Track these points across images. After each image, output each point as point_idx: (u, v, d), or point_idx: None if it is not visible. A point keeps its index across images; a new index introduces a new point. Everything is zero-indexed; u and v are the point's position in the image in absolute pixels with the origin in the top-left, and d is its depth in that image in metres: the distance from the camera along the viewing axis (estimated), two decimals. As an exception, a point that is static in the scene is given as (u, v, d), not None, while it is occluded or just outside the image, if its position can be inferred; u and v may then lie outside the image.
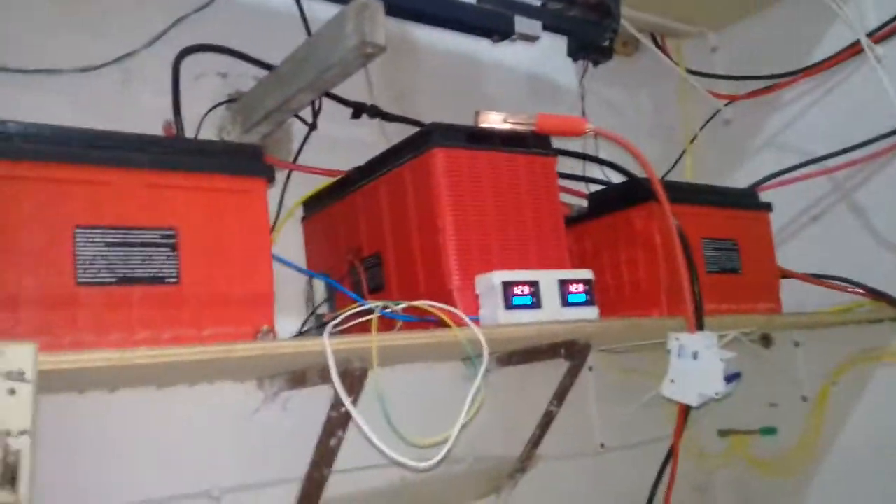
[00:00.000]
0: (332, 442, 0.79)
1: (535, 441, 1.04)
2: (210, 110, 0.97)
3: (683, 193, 0.98)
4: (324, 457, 0.81)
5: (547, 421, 1.02)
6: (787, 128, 1.30)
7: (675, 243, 0.88)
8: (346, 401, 0.68)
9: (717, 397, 0.87)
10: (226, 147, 0.70)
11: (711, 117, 1.40)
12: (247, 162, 0.69)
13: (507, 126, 0.84)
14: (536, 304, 0.80)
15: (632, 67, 1.41)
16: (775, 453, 1.32)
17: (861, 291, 1.15)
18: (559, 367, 0.98)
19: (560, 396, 0.99)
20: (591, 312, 0.83)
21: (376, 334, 0.69)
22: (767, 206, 1.13)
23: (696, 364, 0.88)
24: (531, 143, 0.87)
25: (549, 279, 0.81)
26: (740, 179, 1.28)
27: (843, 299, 1.17)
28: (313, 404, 0.82)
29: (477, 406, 0.71)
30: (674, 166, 1.38)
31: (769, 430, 1.32)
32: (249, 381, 0.91)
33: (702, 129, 1.40)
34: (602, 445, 1.22)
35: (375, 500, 0.99)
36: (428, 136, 0.83)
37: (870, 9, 1.18)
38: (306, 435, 0.83)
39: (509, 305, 0.78)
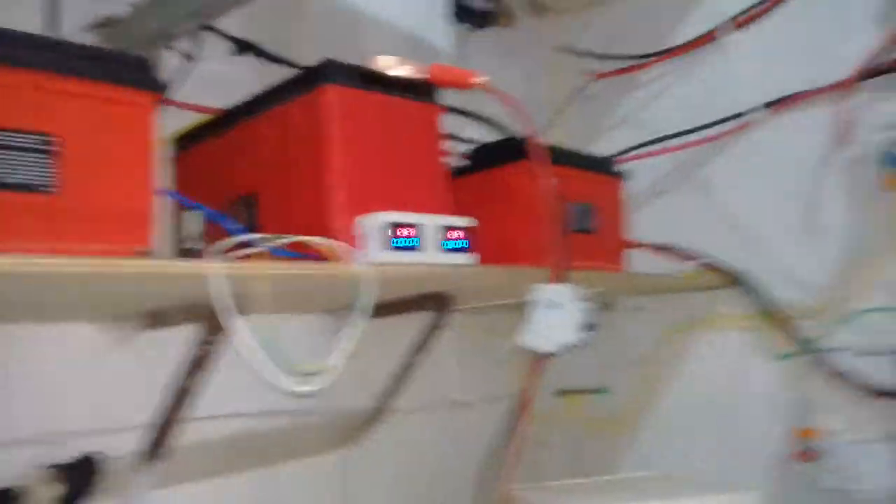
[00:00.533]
0: (187, 386, 0.79)
1: (390, 394, 1.07)
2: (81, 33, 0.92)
3: (554, 155, 1.03)
4: (176, 403, 0.81)
5: (402, 374, 1.05)
6: (645, 106, 1.39)
7: (547, 201, 0.93)
8: (232, 323, 0.67)
9: (575, 345, 0.93)
10: (119, 57, 0.66)
11: (577, 92, 1.47)
12: (139, 74, 0.66)
13: (401, 71, 0.85)
14: (418, 247, 0.82)
15: (508, 38, 1.45)
16: (608, 412, 1.42)
17: (699, 261, 1.27)
18: (419, 320, 1.02)
19: (418, 350, 1.03)
20: (471, 259, 0.87)
21: (264, 262, 0.69)
22: (622, 174, 1.21)
23: (556, 314, 0.93)
24: (423, 90, 0.89)
25: (432, 223, 0.84)
26: (599, 152, 1.36)
27: (683, 269, 1.28)
28: (169, 347, 0.80)
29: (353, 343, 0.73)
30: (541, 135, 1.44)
31: (602, 391, 1.43)
32: (103, 321, 0.87)
33: (567, 102, 1.48)
34: (456, 400, 1.27)
35: (226, 450, 0.99)
36: (321, 73, 0.82)
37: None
38: (159, 380, 0.81)
39: (392, 246, 0.80)
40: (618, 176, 1.21)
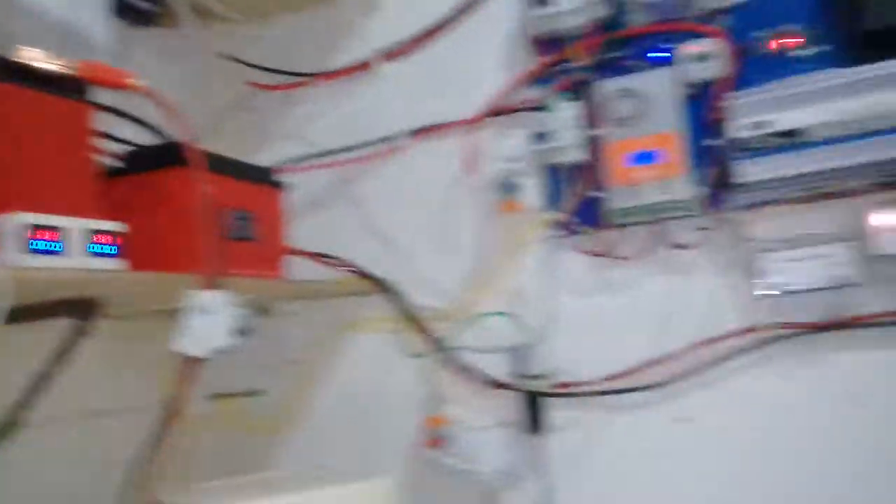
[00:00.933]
0: None
1: (23, 406, 1.00)
2: None
3: (213, 163, 1.05)
4: None
5: (38, 385, 0.99)
6: (306, 122, 1.46)
7: (203, 208, 0.95)
8: None
9: (228, 349, 0.96)
10: None
11: (240, 101, 1.50)
12: None
13: (48, 66, 0.81)
14: (61, 251, 0.79)
15: (173, 40, 1.43)
16: (263, 414, 1.47)
17: (351, 269, 1.37)
18: (61, 327, 0.97)
19: (58, 359, 0.98)
20: (120, 264, 0.86)
21: None
22: (282, 185, 1.27)
23: (209, 320, 0.96)
24: (73, 87, 0.86)
25: (77, 226, 0.81)
26: (260, 162, 1.39)
27: (336, 276, 1.37)
28: None
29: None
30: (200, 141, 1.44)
31: (257, 393, 1.48)
32: None
33: (229, 111, 1.49)
34: (101, 409, 1.22)
35: None
36: (-50, 61, 0.76)
37: (384, 29, 1.40)
38: None
39: (31, 249, 0.76)
40: (278, 186, 1.26)
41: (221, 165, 1.10)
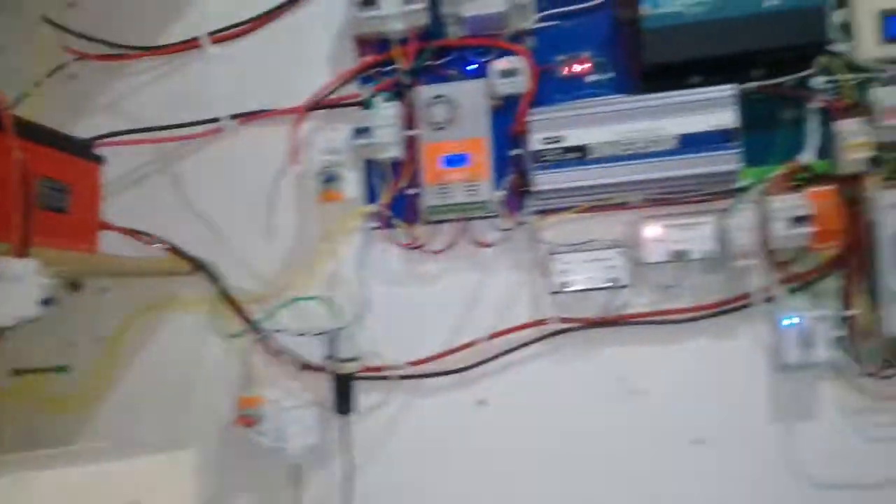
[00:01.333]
0: None
1: None
2: None
3: (26, 130, 1.04)
4: None
5: None
6: (129, 96, 1.45)
7: (13, 176, 0.94)
8: None
9: (31, 319, 0.96)
10: None
11: (57, 69, 1.46)
12: None
13: None
14: None
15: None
16: (68, 391, 1.45)
17: (168, 248, 1.38)
18: None
19: None
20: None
21: None
22: (100, 159, 1.26)
23: (15, 288, 0.95)
24: None
25: None
26: (79, 133, 1.37)
27: (153, 254, 1.38)
28: None
29: None
30: (13, 107, 1.39)
31: (62, 369, 1.45)
32: None
33: (47, 77, 1.45)
34: None
35: None
36: None
37: (214, 11, 1.42)
38: None
39: None
40: (96, 160, 1.25)
41: (35, 133, 1.08)
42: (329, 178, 1.29)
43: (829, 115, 1.19)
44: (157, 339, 1.44)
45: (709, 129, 1.16)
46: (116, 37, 1.44)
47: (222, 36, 1.41)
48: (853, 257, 1.19)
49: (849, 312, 1.19)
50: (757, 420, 1.25)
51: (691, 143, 1.16)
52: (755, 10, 1.14)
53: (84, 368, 1.44)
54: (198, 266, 1.39)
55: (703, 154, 1.16)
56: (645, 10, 1.16)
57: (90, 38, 1.44)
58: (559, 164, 1.20)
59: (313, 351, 1.35)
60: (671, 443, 1.27)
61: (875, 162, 1.17)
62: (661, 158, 1.18)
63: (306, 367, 1.36)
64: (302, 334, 1.35)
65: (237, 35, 1.41)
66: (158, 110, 1.42)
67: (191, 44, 1.41)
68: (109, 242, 1.29)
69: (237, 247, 1.40)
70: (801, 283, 1.22)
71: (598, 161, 1.19)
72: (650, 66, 1.18)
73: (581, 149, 1.20)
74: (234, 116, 1.38)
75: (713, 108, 1.16)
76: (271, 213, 1.39)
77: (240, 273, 1.39)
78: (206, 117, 1.39)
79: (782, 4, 1.13)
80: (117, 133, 1.40)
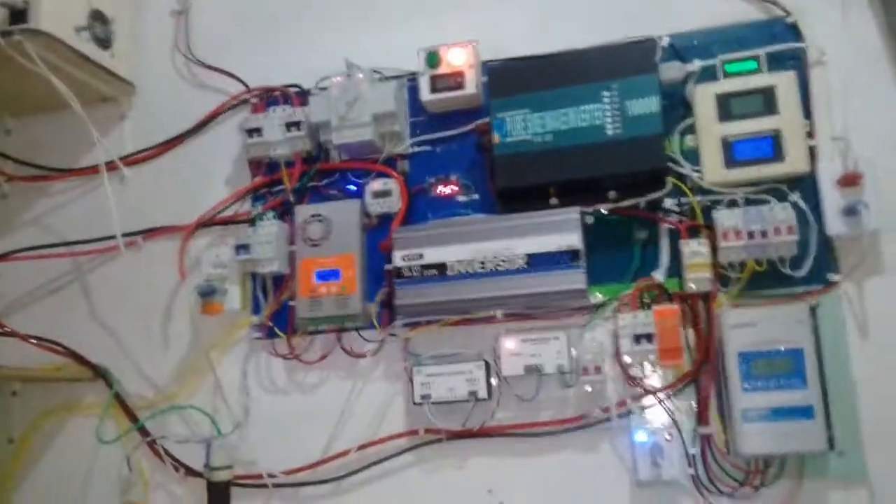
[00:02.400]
0: None
1: None
2: None
3: None
4: None
5: None
6: (52, 213, 1.56)
7: None
8: None
9: None
10: None
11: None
12: None
13: None
14: None
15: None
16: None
17: (69, 355, 1.45)
18: None
19: None
20: None
21: None
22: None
23: None
24: None
25: None
26: (6, 247, 1.50)
27: (56, 361, 1.45)
28: None
29: None
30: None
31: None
32: None
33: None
34: None
35: None
36: None
37: (129, 136, 1.55)
38: None
39: None
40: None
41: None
42: (207, 292, 1.36)
43: (677, 236, 1.23)
44: (59, 441, 1.49)
45: (556, 249, 1.21)
46: (44, 160, 1.56)
47: (135, 159, 1.53)
48: (705, 375, 1.21)
49: (702, 430, 1.19)
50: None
51: (539, 262, 1.21)
52: (599, 139, 1.21)
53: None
54: (98, 373, 1.45)
55: (550, 273, 1.21)
56: (496, 138, 1.25)
57: (21, 162, 1.57)
58: (419, 280, 1.26)
59: (196, 457, 1.38)
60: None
61: (722, 281, 1.21)
62: (511, 276, 1.22)
63: (190, 472, 1.39)
64: (185, 441, 1.39)
65: (147, 158, 1.52)
66: (76, 226, 1.53)
67: (109, 166, 1.52)
68: (20, 349, 1.36)
69: (136, 355, 1.47)
70: (657, 400, 1.23)
71: (454, 278, 1.25)
72: (501, 190, 1.25)
73: (439, 266, 1.25)
74: (138, 232, 1.48)
75: (560, 229, 1.22)
76: (166, 324, 1.46)
77: (136, 380, 1.45)
78: (117, 233, 1.47)
79: (623, 133, 1.20)
80: (38, 247, 1.51)
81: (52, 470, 1.48)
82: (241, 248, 1.35)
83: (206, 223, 1.44)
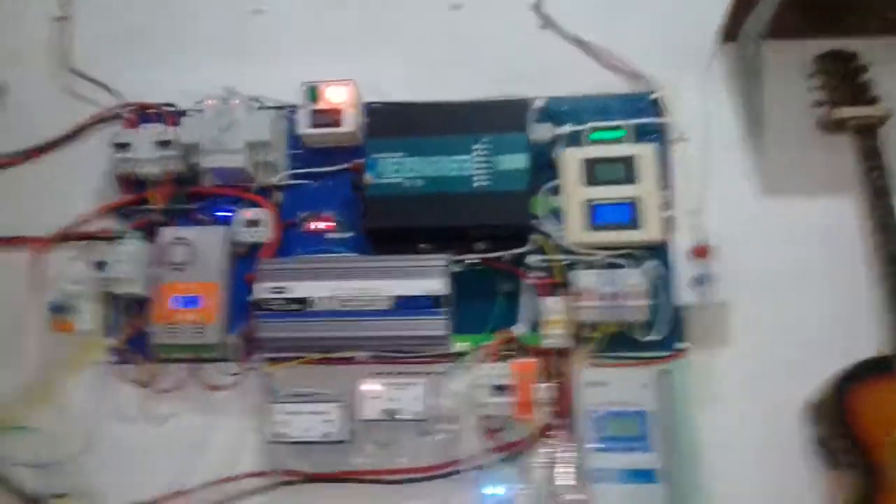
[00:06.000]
0: None
1: None
2: None
3: None
4: None
5: None
6: None
7: None
8: None
9: None
10: None
11: None
12: None
13: None
14: None
15: None
16: None
17: None
18: None
19: None
20: None
21: None
22: None
23: None
24: None
25: None
26: None
27: None
28: None
29: None
30: None
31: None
32: None
33: None
34: None
35: None
36: None
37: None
38: None
39: None
40: None
41: None
42: (59, 308, 1.30)
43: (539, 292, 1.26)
44: None
45: (420, 293, 1.21)
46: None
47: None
48: (562, 431, 1.23)
49: (554, 486, 1.21)
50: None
51: (403, 305, 1.22)
52: (466, 189, 1.23)
53: None
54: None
55: (413, 317, 1.21)
56: (368, 179, 1.25)
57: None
58: (281, 314, 1.24)
59: (35, 482, 1.31)
60: None
61: (579, 339, 1.24)
62: (375, 317, 1.22)
63: (30, 500, 1.31)
64: (23, 465, 1.31)
65: (8, 164, 1.45)
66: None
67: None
68: None
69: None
70: (512, 454, 1.24)
71: (317, 314, 1.23)
72: (370, 230, 1.25)
73: (302, 301, 1.24)
74: (-9, 241, 1.40)
75: (426, 274, 1.22)
76: (14, 341, 1.38)
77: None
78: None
79: (489, 186, 1.23)
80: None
81: None
82: (99, 264, 1.30)
83: (67, 237, 1.38)
